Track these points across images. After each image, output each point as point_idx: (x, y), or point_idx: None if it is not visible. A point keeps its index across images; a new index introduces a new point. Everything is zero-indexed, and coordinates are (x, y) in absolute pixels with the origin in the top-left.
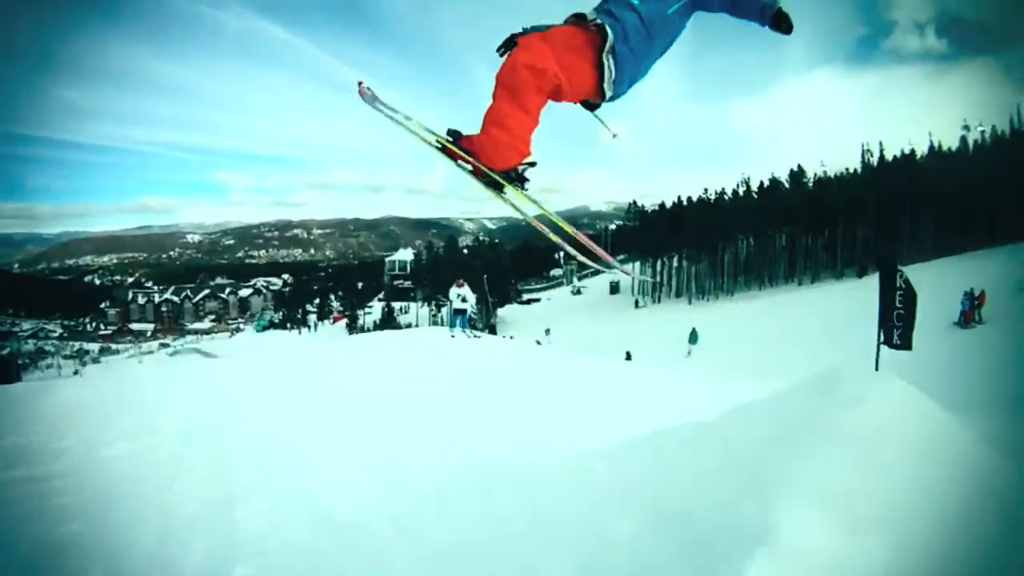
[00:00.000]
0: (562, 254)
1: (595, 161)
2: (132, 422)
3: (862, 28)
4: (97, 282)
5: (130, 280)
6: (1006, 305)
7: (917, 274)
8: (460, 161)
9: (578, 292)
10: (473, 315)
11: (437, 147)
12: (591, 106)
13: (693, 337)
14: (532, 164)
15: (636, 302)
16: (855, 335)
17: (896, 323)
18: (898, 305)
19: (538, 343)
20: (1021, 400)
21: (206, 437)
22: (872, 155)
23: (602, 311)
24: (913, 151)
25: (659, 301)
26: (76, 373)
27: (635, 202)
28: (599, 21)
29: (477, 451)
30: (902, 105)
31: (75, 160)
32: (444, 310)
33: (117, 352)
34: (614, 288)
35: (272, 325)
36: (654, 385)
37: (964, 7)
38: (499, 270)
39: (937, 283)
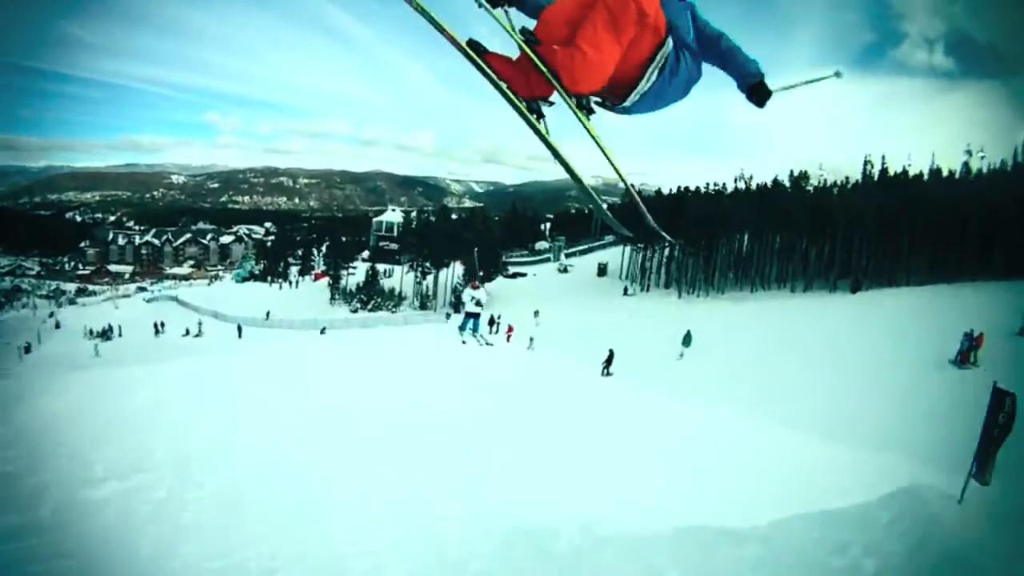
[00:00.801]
0: (548, 226)
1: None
2: (121, 452)
3: (870, 35)
4: (79, 219)
5: (111, 219)
6: (1001, 346)
7: (914, 299)
8: (503, 77)
9: (565, 270)
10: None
11: (477, 64)
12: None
13: (687, 340)
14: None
15: (625, 289)
16: (853, 356)
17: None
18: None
19: (531, 340)
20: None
21: (208, 476)
22: (873, 166)
23: (590, 295)
24: (920, 173)
25: (648, 290)
26: (51, 316)
27: (632, 185)
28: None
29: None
30: (902, 117)
31: (66, 93)
32: (437, 287)
33: (94, 294)
34: (601, 270)
35: (252, 276)
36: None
37: (976, 29)
38: (490, 243)
39: (936, 312)
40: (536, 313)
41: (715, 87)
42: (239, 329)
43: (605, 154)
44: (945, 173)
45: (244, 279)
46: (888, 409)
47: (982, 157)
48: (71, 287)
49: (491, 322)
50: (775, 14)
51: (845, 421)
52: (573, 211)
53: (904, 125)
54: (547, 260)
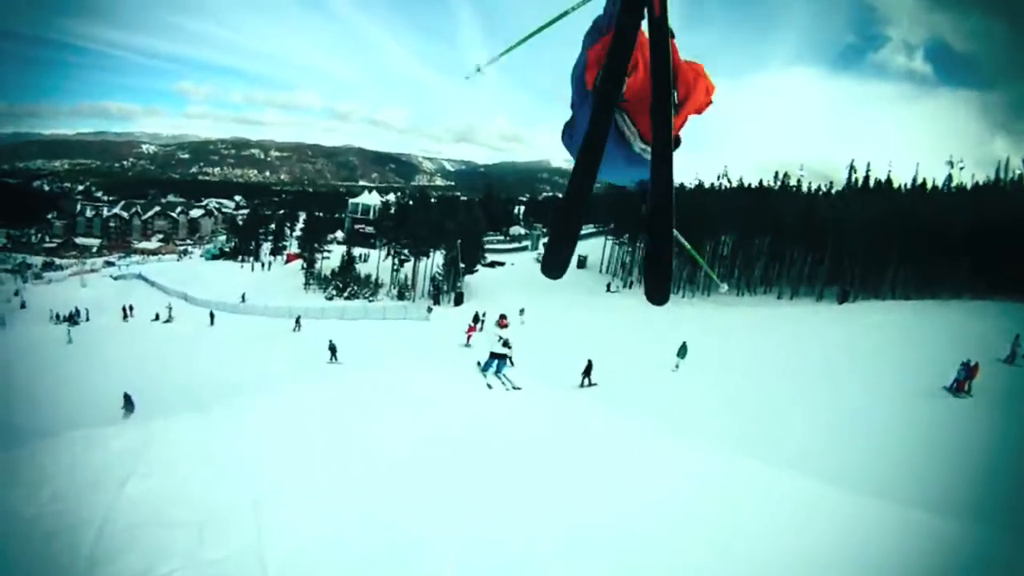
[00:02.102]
0: (522, 210)
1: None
2: None
3: (851, 36)
4: (47, 188)
5: (80, 189)
6: (988, 373)
7: (903, 316)
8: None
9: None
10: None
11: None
12: None
13: (682, 351)
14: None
15: (608, 285)
16: (847, 380)
17: None
18: None
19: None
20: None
21: None
22: (856, 171)
23: (573, 290)
24: (904, 185)
25: (630, 287)
26: (16, 295)
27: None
28: None
29: None
30: (880, 119)
31: (34, 56)
32: (416, 276)
33: (60, 268)
34: (581, 262)
35: (222, 254)
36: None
37: (956, 39)
38: (473, 234)
39: (926, 332)
40: (522, 311)
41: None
42: (211, 316)
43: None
44: (929, 184)
45: (214, 256)
46: (885, 443)
47: (961, 168)
48: (37, 260)
49: (475, 319)
50: (758, 9)
51: (842, 458)
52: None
53: (881, 127)
54: (524, 248)
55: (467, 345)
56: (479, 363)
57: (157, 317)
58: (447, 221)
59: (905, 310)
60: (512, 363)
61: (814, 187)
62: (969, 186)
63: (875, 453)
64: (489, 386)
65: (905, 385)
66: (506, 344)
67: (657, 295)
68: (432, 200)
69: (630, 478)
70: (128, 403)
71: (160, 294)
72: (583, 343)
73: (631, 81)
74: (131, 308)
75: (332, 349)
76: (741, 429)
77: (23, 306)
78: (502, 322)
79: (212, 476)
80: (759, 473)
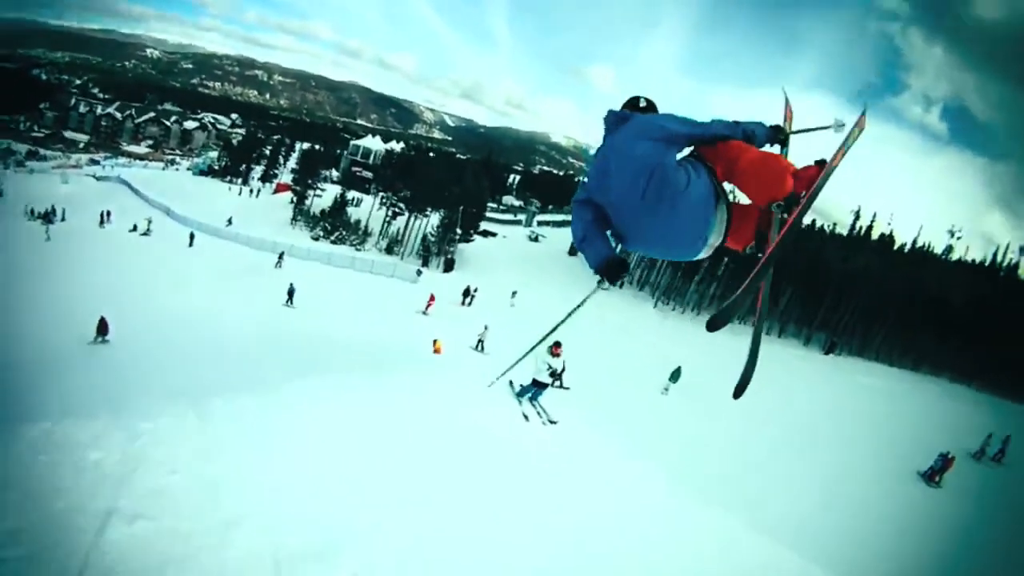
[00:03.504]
0: (516, 180)
1: (567, 91)
2: None
3: (873, 74)
4: (44, 77)
5: (77, 83)
6: (959, 466)
7: (889, 385)
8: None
9: (535, 239)
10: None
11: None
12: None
13: (675, 375)
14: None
15: (600, 281)
16: (827, 446)
17: None
18: None
19: (480, 342)
20: None
21: None
22: (861, 218)
23: (562, 279)
24: (921, 244)
25: (621, 286)
26: None
27: None
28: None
29: None
30: (885, 163)
31: None
32: (407, 233)
33: (44, 159)
34: (572, 250)
35: (211, 171)
36: None
37: (978, 104)
38: (476, 202)
39: (909, 408)
40: (514, 294)
41: (706, 76)
42: (191, 236)
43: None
44: (928, 246)
45: (202, 172)
46: (852, 519)
47: (959, 238)
48: (22, 148)
49: (466, 293)
50: (786, 29)
51: (804, 525)
52: (540, 169)
53: (887, 174)
54: (518, 223)
55: (424, 313)
56: (511, 383)
57: (135, 228)
58: (451, 183)
59: (891, 378)
60: (564, 386)
61: (816, 223)
62: (965, 257)
63: (840, 528)
64: (525, 416)
65: (881, 462)
66: (554, 374)
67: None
68: (431, 155)
69: (586, 504)
70: (102, 330)
71: (141, 203)
72: (567, 341)
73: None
74: (109, 214)
75: (290, 293)
76: (713, 472)
77: (0, 194)
78: (556, 350)
79: (217, 510)
80: (721, 524)
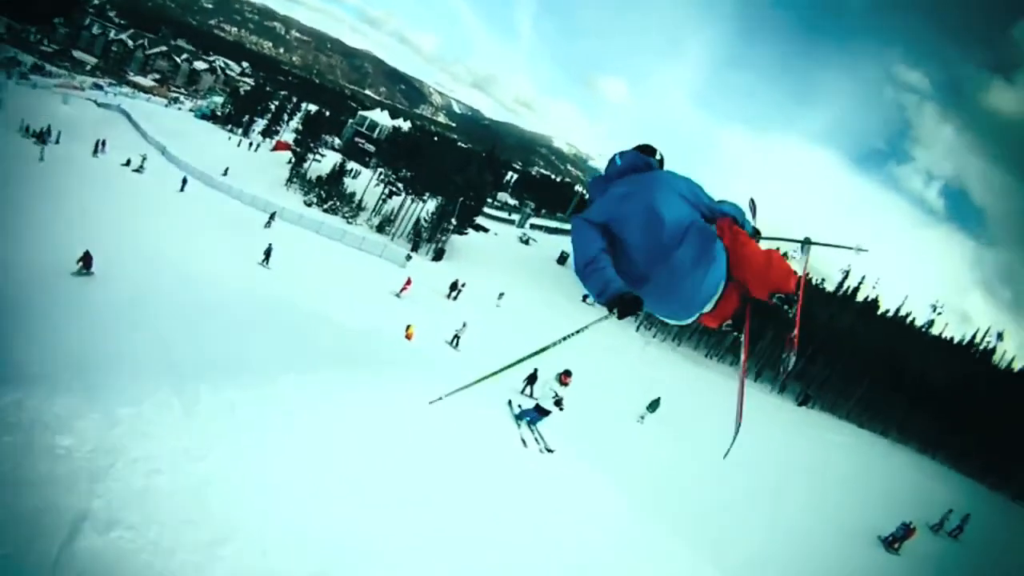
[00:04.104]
0: (513, 179)
1: (577, 98)
2: None
3: (881, 142)
4: None
5: (95, 3)
6: (918, 538)
7: (858, 447)
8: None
9: (527, 241)
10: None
11: None
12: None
13: (653, 406)
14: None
15: (585, 296)
16: (795, 499)
17: None
18: None
19: (456, 338)
20: None
21: None
22: (848, 275)
23: (550, 286)
24: (904, 314)
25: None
26: None
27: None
28: None
29: None
30: (876, 227)
31: None
32: (401, 212)
33: (50, 75)
34: (562, 259)
35: (213, 116)
36: None
37: (978, 188)
38: (477, 196)
39: (876, 472)
40: (501, 295)
41: (718, 109)
42: (184, 181)
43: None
44: (908, 315)
45: (204, 116)
46: None
47: (940, 313)
48: (29, 60)
49: (453, 287)
50: (804, 79)
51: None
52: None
53: (877, 237)
54: (511, 222)
55: (397, 295)
56: (510, 403)
57: (128, 163)
58: (455, 172)
59: (860, 440)
60: (560, 407)
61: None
62: (945, 333)
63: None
64: (523, 442)
65: (844, 521)
66: (558, 403)
67: None
68: (436, 139)
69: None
70: (86, 263)
71: (138, 138)
72: (559, 357)
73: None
74: (104, 144)
75: (267, 253)
76: (683, 507)
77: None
78: (565, 379)
79: (205, 521)
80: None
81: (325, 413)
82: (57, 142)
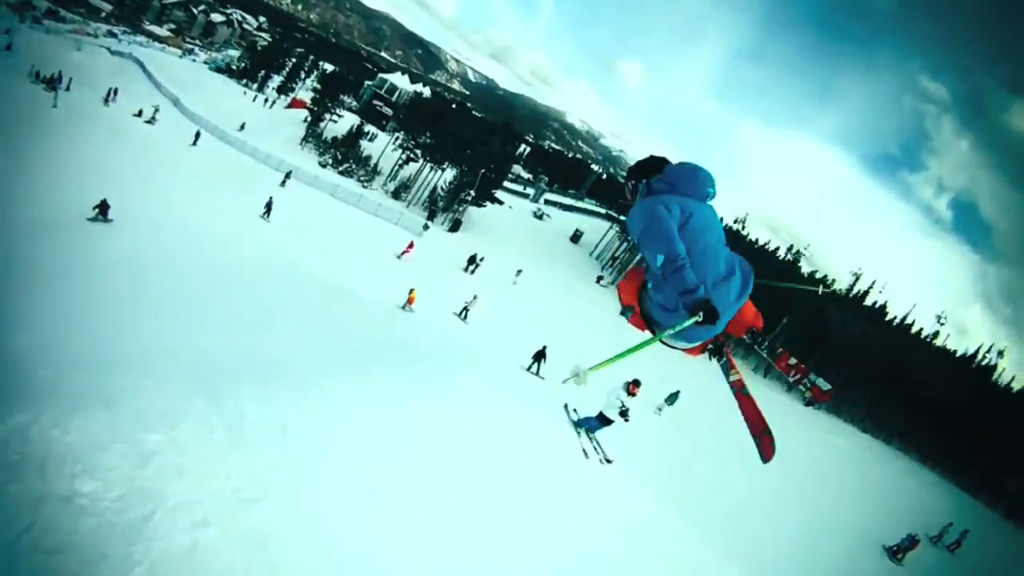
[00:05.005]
0: (526, 151)
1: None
2: None
3: (895, 147)
4: None
5: None
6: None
7: (863, 453)
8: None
9: (540, 217)
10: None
11: None
12: None
13: (672, 399)
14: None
15: (599, 278)
16: (808, 495)
17: None
18: None
19: (465, 310)
20: None
21: None
22: (859, 279)
23: (561, 265)
24: (911, 322)
25: (616, 283)
26: (7, 32)
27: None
28: None
29: None
30: (883, 232)
31: None
32: (418, 179)
33: (63, 20)
34: (576, 237)
35: (228, 70)
36: None
37: (988, 204)
38: (498, 169)
39: (881, 481)
40: (519, 272)
41: (732, 103)
42: (197, 134)
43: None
44: (913, 319)
45: (218, 70)
46: None
47: (943, 324)
48: (43, 4)
49: (471, 260)
50: (823, 79)
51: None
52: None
53: (884, 242)
54: (525, 196)
55: (398, 257)
56: (567, 407)
57: (140, 113)
58: (477, 143)
59: (864, 445)
60: (626, 419)
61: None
62: (948, 344)
63: None
64: (585, 453)
65: (848, 527)
66: (623, 414)
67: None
68: (454, 107)
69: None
70: (103, 211)
71: (151, 89)
72: (560, 330)
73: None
74: (115, 92)
75: (268, 206)
76: (700, 500)
77: (9, 48)
78: (633, 389)
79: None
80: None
81: (386, 432)
82: (67, 89)
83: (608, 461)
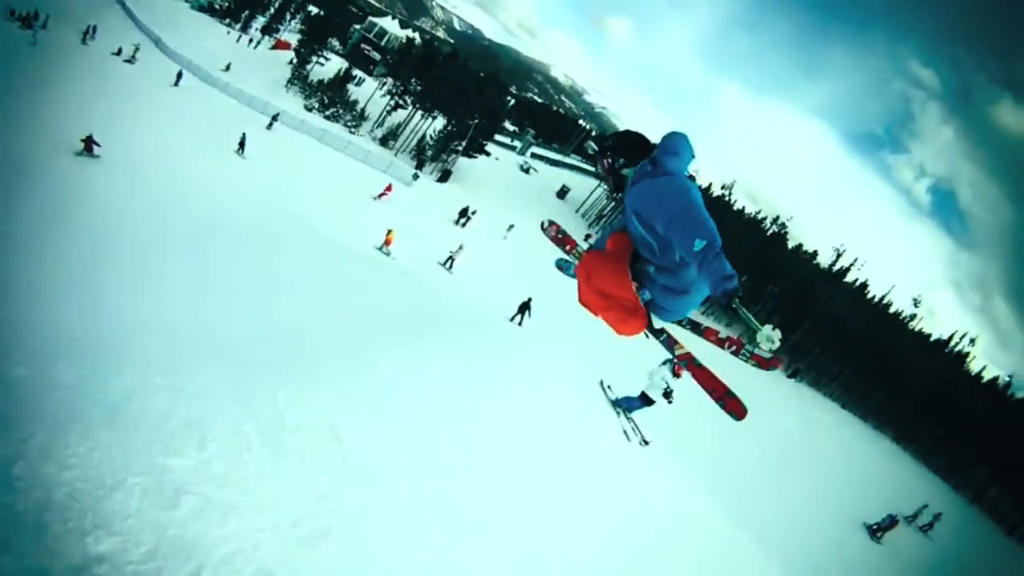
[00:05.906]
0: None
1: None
2: None
3: (879, 127)
4: None
5: None
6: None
7: (846, 429)
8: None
9: (527, 170)
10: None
11: None
12: None
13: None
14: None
15: (587, 236)
16: (794, 467)
17: None
18: None
19: (450, 260)
20: None
21: None
22: (841, 255)
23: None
24: (888, 303)
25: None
26: None
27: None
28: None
29: None
30: (861, 209)
31: None
32: (406, 128)
33: None
34: (562, 193)
35: (211, 9)
36: None
37: (967, 193)
38: (491, 120)
39: (864, 458)
40: (511, 227)
41: (720, 69)
42: (178, 75)
43: None
44: (891, 299)
45: (201, 8)
46: (795, 554)
47: (918, 305)
48: None
49: (463, 213)
50: (814, 53)
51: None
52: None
53: (861, 220)
54: (512, 148)
55: (375, 198)
56: (602, 384)
57: (119, 52)
58: (471, 93)
59: (843, 421)
60: (670, 400)
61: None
62: (921, 327)
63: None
64: (626, 435)
65: (834, 507)
66: (667, 395)
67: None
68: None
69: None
70: (88, 147)
71: (131, 26)
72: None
73: None
74: (94, 30)
75: (241, 143)
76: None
77: None
78: (679, 371)
79: None
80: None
81: (444, 427)
82: (44, 27)
83: (646, 443)
